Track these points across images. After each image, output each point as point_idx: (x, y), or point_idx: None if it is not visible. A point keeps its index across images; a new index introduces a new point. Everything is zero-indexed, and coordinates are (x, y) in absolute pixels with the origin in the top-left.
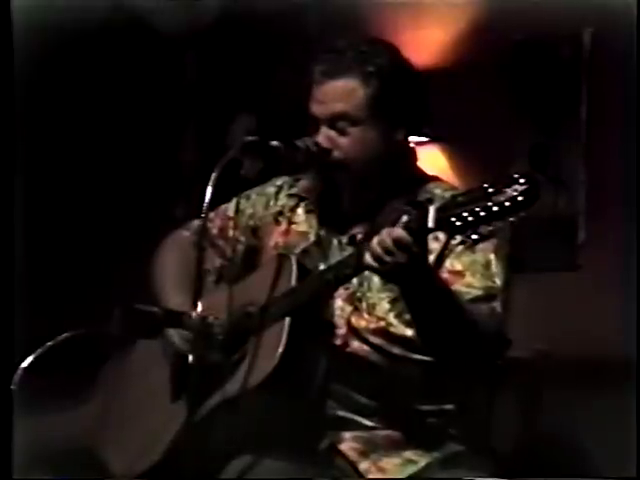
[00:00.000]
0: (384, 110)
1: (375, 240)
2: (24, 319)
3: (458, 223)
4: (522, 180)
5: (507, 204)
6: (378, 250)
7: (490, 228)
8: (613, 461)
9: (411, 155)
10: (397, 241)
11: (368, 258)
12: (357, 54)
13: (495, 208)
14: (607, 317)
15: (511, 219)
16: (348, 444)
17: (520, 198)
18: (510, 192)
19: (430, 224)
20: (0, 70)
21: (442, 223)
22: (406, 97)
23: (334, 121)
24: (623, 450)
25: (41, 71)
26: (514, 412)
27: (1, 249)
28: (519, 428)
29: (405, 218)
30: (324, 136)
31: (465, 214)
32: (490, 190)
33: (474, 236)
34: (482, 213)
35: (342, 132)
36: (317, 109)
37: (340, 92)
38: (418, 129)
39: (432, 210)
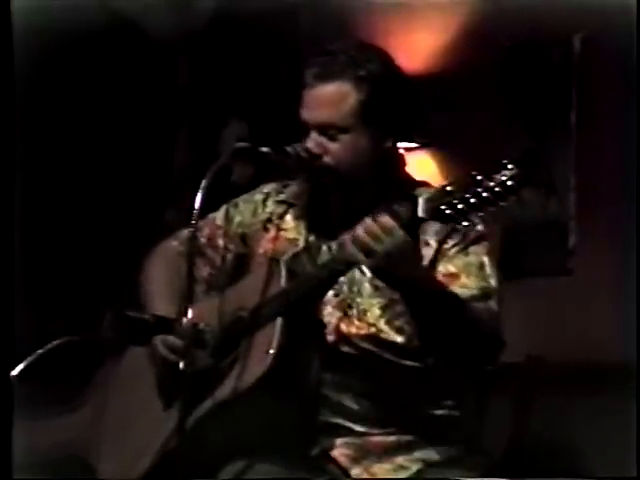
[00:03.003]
0: (374, 116)
1: (359, 230)
2: (23, 325)
3: (448, 211)
4: (510, 165)
5: (497, 189)
6: (364, 239)
7: (480, 229)
8: (612, 462)
9: (400, 161)
10: (383, 228)
11: (353, 250)
12: (349, 58)
13: (485, 194)
14: (600, 321)
15: (502, 204)
16: (340, 450)
17: (509, 183)
18: (499, 177)
19: (420, 214)
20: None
21: (432, 212)
22: (397, 104)
23: (323, 128)
24: (622, 452)
25: (36, 74)
26: (508, 417)
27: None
28: (513, 432)
29: (395, 207)
30: (314, 141)
31: (455, 201)
32: (479, 177)
33: (465, 223)
34: (472, 200)
35: (332, 138)
36: (307, 114)
37: (331, 97)
38: (408, 136)
39: (421, 200)
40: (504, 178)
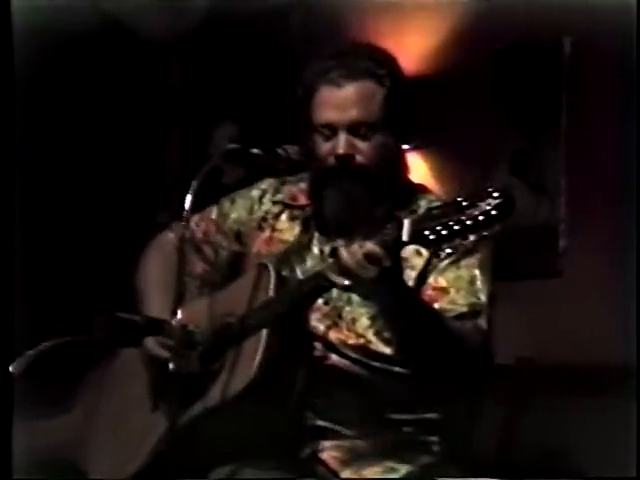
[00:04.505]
0: (395, 115)
1: (345, 254)
2: (23, 327)
3: (432, 237)
4: (496, 194)
5: (481, 218)
6: (349, 264)
7: (473, 241)
8: (612, 462)
9: (405, 164)
10: (368, 255)
11: (334, 277)
12: (369, 57)
13: (469, 222)
14: (590, 322)
15: (485, 233)
16: (329, 453)
17: (494, 212)
18: (484, 206)
19: (404, 238)
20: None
21: (416, 236)
22: (408, 104)
23: (355, 126)
24: (618, 452)
25: (36, 74)
26: (499, 419)
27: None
28: (505, 434)
29: (381, 235)
30: (344, 142)
31: (439, 227)
32: (464, 204)
33: (448, 250)
34: (456, 227)
35: (364, 137)
36: (334, 115)
37: (361, 95)
38: (411, 138)
39: (407, 224)
40: (488, 208)
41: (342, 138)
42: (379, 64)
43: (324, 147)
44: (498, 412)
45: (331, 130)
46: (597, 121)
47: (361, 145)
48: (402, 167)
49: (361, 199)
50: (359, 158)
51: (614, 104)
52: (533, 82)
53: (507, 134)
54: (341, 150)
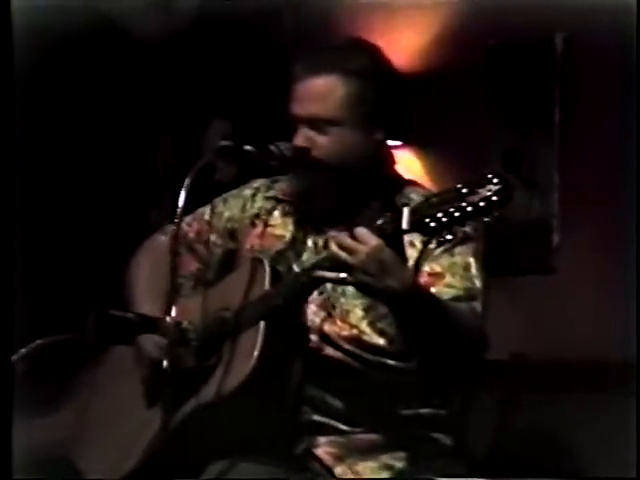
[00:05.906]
0: (364, 110)
1: (332, 243)
2: (22, 328)
3: (432, 224)
4: (495, 180)
5: (481, 204)
6: (338, 252)
7: (467, 230)
8: (612, 461)
9: (389, 158)
10: (356, 238)
11: (325, 273)
12: (337, 52)
13: (469, 208)
14: (582, 319)
15: (485, 219)
16: (324, 449)
17: (494, 198)
18: (484, 192)
19: (404, 226)
20: None
21: (416, 225)
22: (386, 98)
23: (313, 121)
24: (617, 451)
25: (36, 74)
26: (492, 414)
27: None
28: (499, 430)
29: (380, 221)
30: (303, 135)
31: (439, 215)
32: (464, 190)
33: (449, 236)
34: (456, 213)
35: (321, 131)
36: (297, 108)
37: (319, 90)
38: (398, 132)
39: (406, 212)
40: (489, 193)
41: (299, 132)
42: (348, 59)
43: (294, 140)
44: (493, 408)
45: (295, 123)
46: (590, 117)
47: (319, 139)
48: (382, 160)
49: (323, 191)
50: (315, 152)
51: (607, 100)
52: (525, 78)
53: (499, 131)
54: (296, 143)
